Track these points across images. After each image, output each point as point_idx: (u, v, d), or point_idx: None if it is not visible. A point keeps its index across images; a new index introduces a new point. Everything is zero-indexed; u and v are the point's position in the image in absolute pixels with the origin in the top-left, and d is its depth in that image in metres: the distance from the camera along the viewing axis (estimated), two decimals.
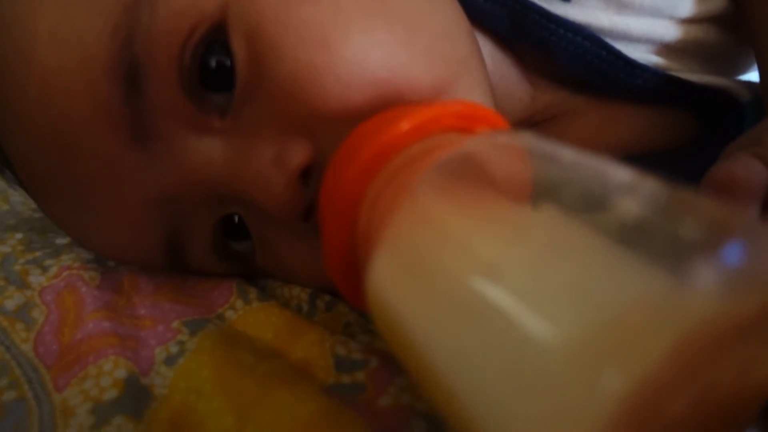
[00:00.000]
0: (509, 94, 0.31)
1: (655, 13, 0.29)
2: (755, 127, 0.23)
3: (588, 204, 0.14)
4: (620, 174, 0.14)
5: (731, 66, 0.32)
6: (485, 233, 0.15)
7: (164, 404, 0.22)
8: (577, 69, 0.30)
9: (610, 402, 0.10)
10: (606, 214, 0.13)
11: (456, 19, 0.25)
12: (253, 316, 0.26)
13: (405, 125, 0.19)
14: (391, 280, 0.16)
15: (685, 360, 0.10)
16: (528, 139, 0.18)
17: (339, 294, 0.24)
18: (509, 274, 0.13)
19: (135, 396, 0.22)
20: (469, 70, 0.24)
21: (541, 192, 0.16)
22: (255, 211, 0.23)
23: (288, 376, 0.22)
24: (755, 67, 0.30)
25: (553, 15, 0.29)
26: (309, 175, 0.22)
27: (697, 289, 0.11)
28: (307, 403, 0.21)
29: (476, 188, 0.17)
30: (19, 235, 0.30)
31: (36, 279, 0.27)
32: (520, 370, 0.12)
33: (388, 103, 0.21)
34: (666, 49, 0.30)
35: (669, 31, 0.29)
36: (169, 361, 0.24)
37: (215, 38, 0.21)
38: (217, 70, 0.21)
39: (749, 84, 0.32)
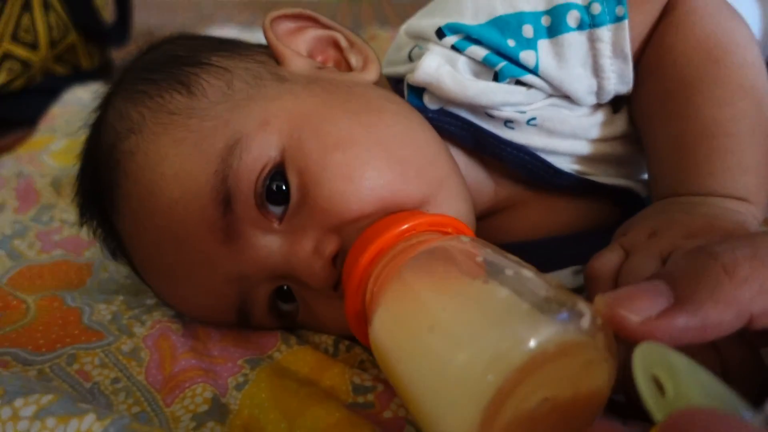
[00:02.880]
0: (478, 189, 0.42)
1: (574, 136, 0.40)
2: (630, 218, 0.34)
3: (494, 278, 0.24)
4: (513, 265, 0.25)
5: (634, 170, 0.42)
6: (438, 300, 0.25)
7: (238, 415, 0.32)
8: (524, 172, 0.41)
9: (491, 389, 0.21)
10: (507, 288, 0.24)
11: (437, 150, 0.36)
12: (293, 355, 0.37)
13: (395, 231, 0.30)
14: (383, 330, 0.26)
15: (527, 372, 0.21)
16: (472, 240, 0.29)
17: (356, 340, 0.34)
18: (444, 327, 0.23)
19: (219, 409, 0.32)
20: (446, 185, 0.35)
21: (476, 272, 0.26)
22: (300, 284, 0.34)
23: (320, 397, 0.33)
24: None
25: (503, 138, 0.39)
26: (337, 259, 0.32)
27: (533, 338, 0.21)
28: (334, 413, 0.31)
29: (439, 269, 0.28)
30: (121, 297, 0.42)
31: (138, 330, 0.38)
32: (448, 380, 0.22)
33: (390, 211, 0.32)
34: (584, 159, 0.41)
35: (585, 148, 0.40)
36: (238, 387, 0.34)
37: (277, 171, 0.33)
38: (277, 192, 0.32)
39: (647, 182, 0.43)
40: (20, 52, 0.89)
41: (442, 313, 0.24)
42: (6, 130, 0.87)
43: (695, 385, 0.20)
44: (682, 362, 0.20)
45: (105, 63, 1.11)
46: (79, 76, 1.01)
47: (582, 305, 0.23)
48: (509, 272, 0.25)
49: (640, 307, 0.22)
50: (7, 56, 0.88)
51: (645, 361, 0.21)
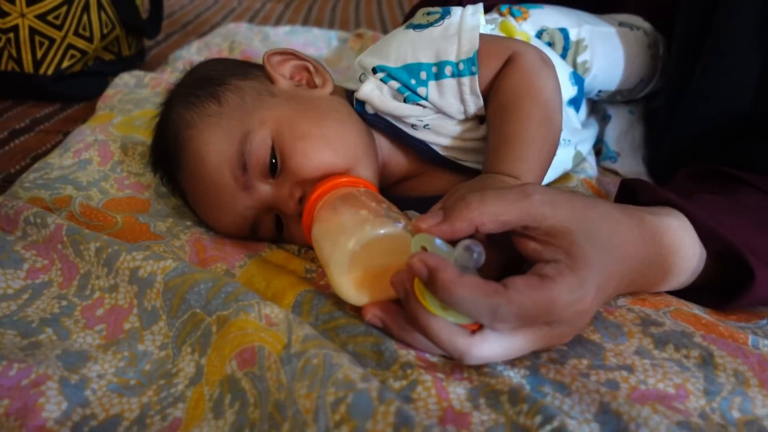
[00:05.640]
0: (398, 164, 0.68)
1: (452, 137, 0.64)
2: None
3: (367, 206, 0.51)
4: (380, 201, 0.52)
5: None
6: (345, 217, 0.52)
7: (240, 279, 0.59)
8: (423, 155, 0.66)
9: (352, 252, 0.47)
10: (370, 210, 0.51)
11: (358, 140, 0.62)
12: (273, 254, 0.63)
13: (329, 184, 0.57)
14: (317, 232, 0.53)
15: (371, 246, 0.47)
16: (366, 191, 0.56)
17: (310, 247, 0.61)
18: (341, 226, 0.50)
19: (230, 275, 0.59)
20: (364, 159, 0.61)
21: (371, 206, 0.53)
22: (282, 213, 0.60)
23: (287, 272, 0.59)
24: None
25: (410, 134, 0.65)
26: (301, 200, 0.59)
27: (375, 230, 0.48)
28: (292, 277, 0.58)
29: (347, 203, 0.54)
30: (171, 219, 0.68)
31: (183, 236, 0.65)
32: (337, 249, 0.49)
33: (329, 174, 0.58)
34: (458, 150, 0.65)
35: (458, 144, 0.65)
36: (241, 266, 0.61)
37: (270, 150, 0.59)
38: (272, 162, 0.59)
39: None
40: (79, 43, 1.15)
41: (342, 220, 0.51)
42: (70, 103, 1.14)
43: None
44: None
45: (140, 50, 1.37)
46: (121, 61, 1.27)
47: (404, 220, 0.49)
48: (374, 204, 0.51)
49: (426, 221, 0.47)
50: (70, 47, 1.13)
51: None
